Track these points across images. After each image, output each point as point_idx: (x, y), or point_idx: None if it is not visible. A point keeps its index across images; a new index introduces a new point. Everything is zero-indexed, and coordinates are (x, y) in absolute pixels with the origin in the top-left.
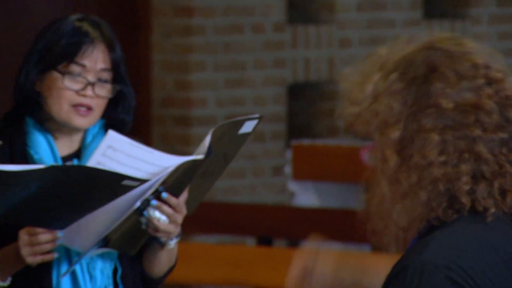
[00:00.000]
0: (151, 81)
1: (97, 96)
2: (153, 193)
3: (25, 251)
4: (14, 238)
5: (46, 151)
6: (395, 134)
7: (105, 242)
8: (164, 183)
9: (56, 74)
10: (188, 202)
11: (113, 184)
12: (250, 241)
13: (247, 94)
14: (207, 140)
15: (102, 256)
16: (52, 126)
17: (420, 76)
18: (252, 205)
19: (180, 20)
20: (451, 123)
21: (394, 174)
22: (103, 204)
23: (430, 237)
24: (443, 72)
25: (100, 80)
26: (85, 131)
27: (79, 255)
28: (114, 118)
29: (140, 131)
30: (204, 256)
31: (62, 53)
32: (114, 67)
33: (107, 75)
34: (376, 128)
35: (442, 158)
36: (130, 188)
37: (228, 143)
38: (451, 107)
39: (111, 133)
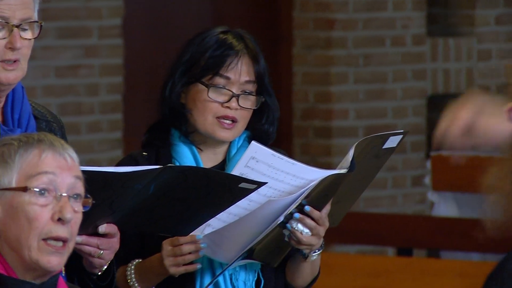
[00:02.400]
0: (293, 93)
1: (242, 108)
2: (296, 206)
3: (168, 261)
4: (155, 249)
5: (191, 162)
6: None
7: (248, 253)
8: (307, 196)
9: (201, 87)
10: (332, 214)
11: (230, 187)
12: (391, 251)
13: (387, 106)
14: (350, 154)
15: (245, 267)
16: (197, 139)
17: None
18: (393, 215)
19: (321, 32)
20: None
21: None
22: (222, 209)
23: None
24: None
25: (244, 92)
26: (230, 144)
27: (222, 266)
28: (258, 130)
29: (282, 143)
30: (345, 266)
31: (207, 66)
32: (258, 79)
33: (251, 87)
34: None
35: None
36: (248, 191)
37: (372, 157)
38: None
39: (254, 144)
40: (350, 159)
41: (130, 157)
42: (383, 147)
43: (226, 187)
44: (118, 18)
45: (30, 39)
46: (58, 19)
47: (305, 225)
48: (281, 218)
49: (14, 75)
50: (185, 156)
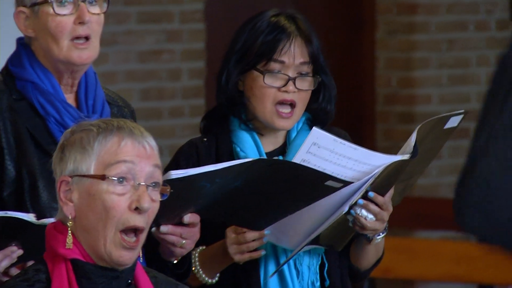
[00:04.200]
0: (375, 78)
1: (299, 90)
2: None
3: (232, 249)
4: (216, 235)
5: (252, 148)
6: None
7: (313, 238)
8: (371, 183)
9: (256, 73)
10: (393, 196)
11: (316, 183)
12: (473, 237)
13: (470, 91)
14: (413, 139)
15: (308, 251)
16: (257, 125)
17: None
18: None
19: (404, 17)
20: None
21: None
22: (304, 205)
23: None
24: None
25: (300, 74)
26: None
27: (286, 252)
28: (316, 109)
29: (364, 128)
30: (428, 252)
31: (260, 52)
32: (313, 59)
33: (306, 68)
34: None
35: None
36: (333, 189)
37: (433, 138)
38: None
39: (316, 130)
40: (413, 144)
41: (190, 143)
42: (444, 127)
43: (312, 183)
44: (200, 2)
45: (98, 13)
46: (140, 3)
47: (369, 210)
48: (346, 208)
49: (86, 54)
50: (246, 141)
